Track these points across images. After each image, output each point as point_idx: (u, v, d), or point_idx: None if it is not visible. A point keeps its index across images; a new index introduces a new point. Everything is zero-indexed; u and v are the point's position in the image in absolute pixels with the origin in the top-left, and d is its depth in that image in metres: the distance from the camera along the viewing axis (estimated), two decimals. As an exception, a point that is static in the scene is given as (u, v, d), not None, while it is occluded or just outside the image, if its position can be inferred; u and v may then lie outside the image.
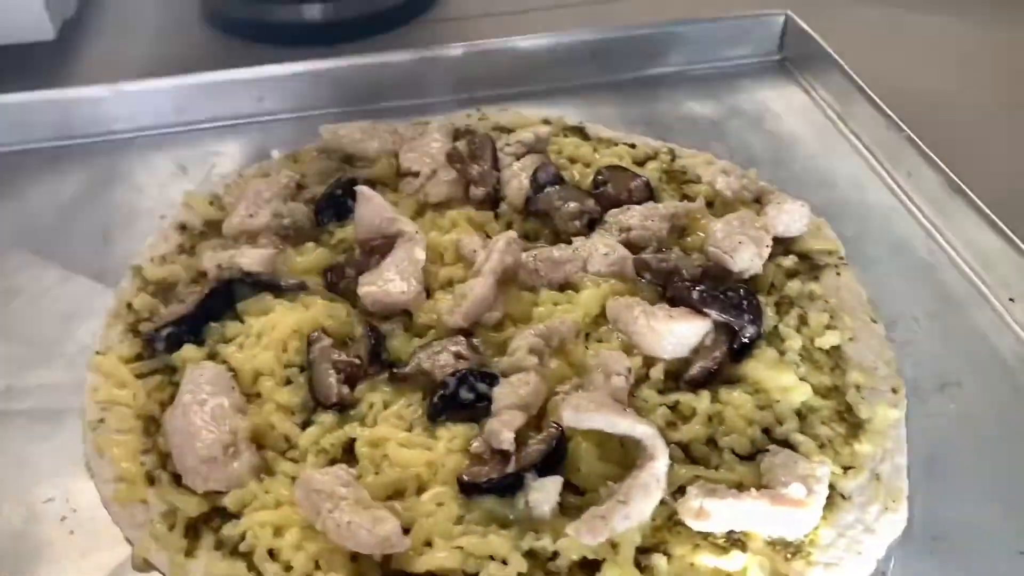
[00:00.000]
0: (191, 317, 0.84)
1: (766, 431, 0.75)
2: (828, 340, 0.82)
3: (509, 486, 0.68)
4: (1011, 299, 0.87)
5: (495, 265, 0.84)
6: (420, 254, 0.87)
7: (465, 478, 0.69)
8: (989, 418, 0.78)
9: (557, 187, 0.95)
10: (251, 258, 0.87)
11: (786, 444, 0.74)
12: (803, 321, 0.85)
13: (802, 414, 0.77)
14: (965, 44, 1.30)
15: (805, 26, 1.21)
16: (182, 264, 0.93)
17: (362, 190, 0.93)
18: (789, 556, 0.67)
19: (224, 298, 0.87)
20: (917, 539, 0.69)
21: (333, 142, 1.06)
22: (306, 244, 0.93)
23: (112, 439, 0.76)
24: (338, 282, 0.89)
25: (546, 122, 1.11)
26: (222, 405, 0.75)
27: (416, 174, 1.00)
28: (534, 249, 0.89)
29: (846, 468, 0.73)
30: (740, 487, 0.69)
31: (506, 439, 0.69)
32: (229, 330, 0.84)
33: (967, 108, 1.15)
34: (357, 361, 0.79)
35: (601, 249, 0.87)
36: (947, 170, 0.96)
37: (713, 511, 0.66)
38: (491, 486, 0.68)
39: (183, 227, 0.98)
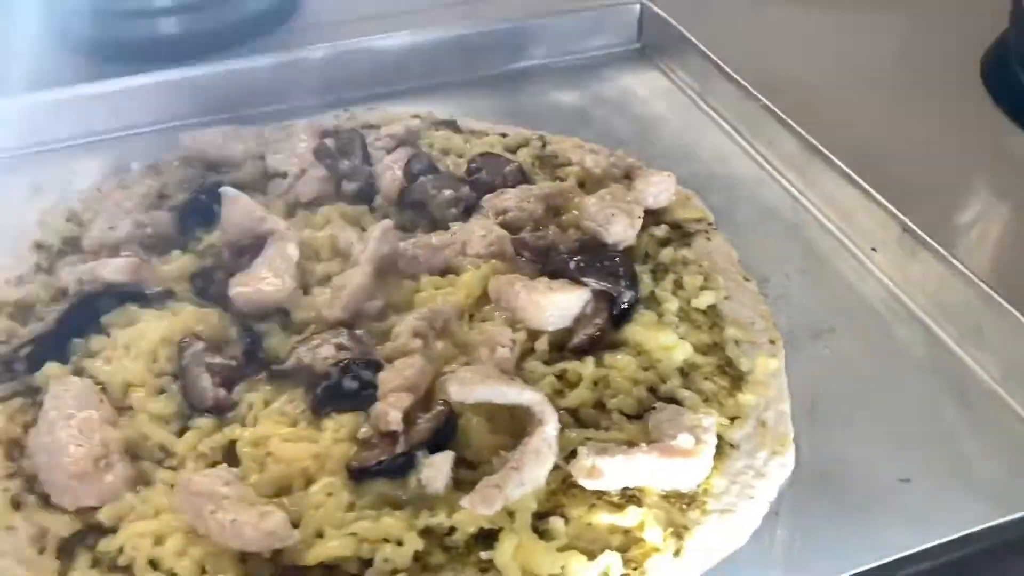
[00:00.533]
0: (53, 335, 0.80)
1: (651, 390, 0.76)
2: (704, 300, 0.85)
3: (400, 467, 0.67)
4: (873, 248, 0.91)
5: (372, 254, 0.82)
6: (293, 250, 0.85)
7: (354, 464, 0.67)
8: (862, 360, 0.82)
9: (431, 176, 0.94)
10: (113, 268, 0.83)
11: (672, 401, 0.75)
12: (679, 285, 0.86)
13: (685, 372, 0.78)
14: (811, 25, 1.36)
15: (660, 12, 1.24)
16: (40, 284, 0.87)
17: (227, 191, 0.90)
18: (684, 507, 0.68)
19: (87, 313, 0.82)
20: (805, 479, 0.71)
21: (195, 149, 1.02)
22: (172, 252, 0.90)
23: None
24: (207, 287, 0.86)
25: (416, 117, 1.10)
26: (90, 418, 0.71)
27: (284, 175, 0.98)
28: (411, 237, 0.88)
29: (732, 418, 0.74)
30: (630, 445, 0.70)
31: (394, 419, 0.67)
32: (94, 344, 0.80)
33: (817, 79, 1.20)
34: (233, 363, 0.77)
35: (479, 231, 0.86)
36: (803, 133, 1.00)
37: (606, 469, 0.66)
38: (382, 468, 0.66)
39: (39, 246, 0.93)
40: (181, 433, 0.73)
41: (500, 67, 1.25)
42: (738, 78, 1.10)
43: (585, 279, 0.81)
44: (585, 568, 0.63)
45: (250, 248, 0.87)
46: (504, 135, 1.08)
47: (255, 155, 1.02)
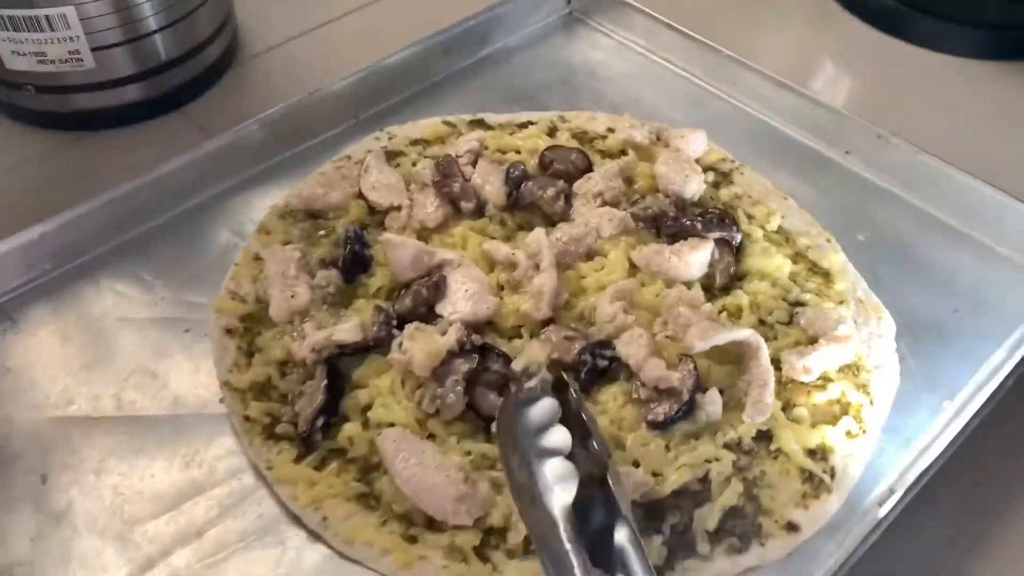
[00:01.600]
0: (328, 403, 0.93)
1: (783, 299, 1.05)
2: (775, 222, 1.13)
3: (690, 409, 0.91)
4: (847, 152, 1.24)
5: (552, 258, 1.02)
6: (477, 272, 1.02)
7: (654, 418, 0.91)
8: (888, 236, 1.14)
9: (532, 180, 1.12)
10: (347, 332, 0.96)
11: (800, 304, 1.04)
12: (748, 216, 1.14)
13: (793, 279, 1.07)
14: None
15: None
16: (260, 363, 0.98)
17: (390, 238, 1.04)
18: (855, 373, 0.98)
19: (337, 375, 0.96)
20: (905, 330, 1.03)
21: (301, 203, 1.12)
22: (355, 303, 1.03)
23: (353, 526, 0.86)
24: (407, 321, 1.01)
25: (446, 122, 1.26)
26: (432, 454, 0.88)
27: (398, 207, 1.12)
28: (554, 233, 1.07)
29: (840, 303, 1.05)
30: (798, 344, 0.99)
31: (676, 377, 0.91)
32: (363, 397, 0.94)
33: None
34: (496, 374, 0.95)
35: (606, 216, 1.08)
36: (766, 71, 1.29)
37: (812, 365, 0.95)
38: (680, 415, 0.90)
39: (229, 331, 1.02)
40: (488, 441, 0.91)
41: (467, 60, 1.40)
42: (683, 29, 1.36)
43: (709, 234, 1.06)
44: (833, 432, 0.92)
45: (427, 282, 1.02)
46: (530, 122, 1.27)
47: (350, 195, 1.14)
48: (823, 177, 1.22)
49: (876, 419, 0.94)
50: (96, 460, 0.93)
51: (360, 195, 1.14)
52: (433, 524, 0.86)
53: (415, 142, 1.23)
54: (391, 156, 1.20)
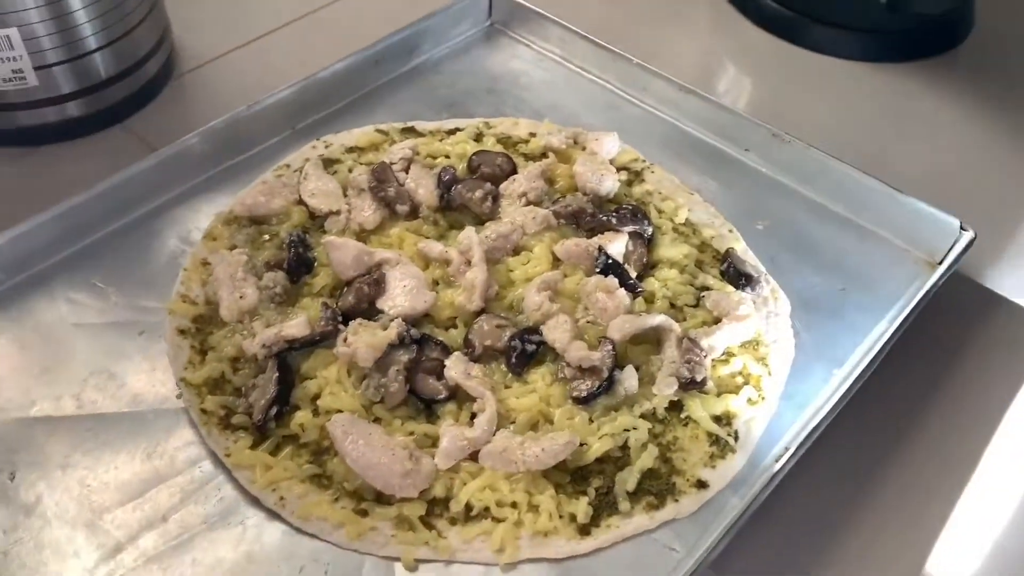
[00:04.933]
0: (280, 393, 1.01)
1: (690, 284, 1.17)
2: (682, 215, 1.25)
3: (609, 385, 1.02)
4: (746, 149, 1.37)
5: (482, 254, 1.12)
6: (415, 269, 1.12)
7: (578, 394, 1.02)
8: (784, 226, 1.27)
9: (461, 183, 1.22)
10: (296, 327, 1.05)
11: (705, 288, 1.17)
12: (659, 211, 1.26)
13: (699, 266, 1.19)
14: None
15: (506, -7, 1.56)
16: (213, 360, 1.06)
17: (332, 240, 1.13)
18: (755, 348, 1.11)
19: (287, 368, 1.04)
20: (799, 306, 1.16)
21: (244, 210, 1.20)
22: (301, 301, 1.12)
23: (310, 506, 0.94)
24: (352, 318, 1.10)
25: (379, 130, 1.35)
26: (378, 434, 0.97)
27: (337, 212, 1.21)
28: (483, 231, 1.17)
29: (742, 286, 1.18)
30: (704, 324, 1.11)
31: (597, 358, 1.02)
32: (312, 387, 1.03)
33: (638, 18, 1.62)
34: (438, 361, 1.05)
35: (530, 215, 1.19)
36: (672, 78, 1.41)
37: (715, 343, 1.07)
38: (600, 390, 1.02)
39: (182, 331, 1.09)
40: (430, 421, 1.01)
41: (397, 70, 1.50)
42: (598, 40, 1.47)
43: (624, 228, 1.18)
44: (736, 400, 1.04)
45: (368, 279, 1.12)
46: (457, 129, 1.37)
47: (292, 202, 1.23)
48: (725, 173, 1.35)
49: (774, 388, 1.07)
50: (61, 456, 0.99)
51: (300, 201, 1.22)
52: (382, 498, 0.95)
53: (350, 150, 1.32)
54: (328, 163, 1.29)
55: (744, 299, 1.13)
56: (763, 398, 1.05)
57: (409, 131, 1.37)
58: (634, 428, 1.00)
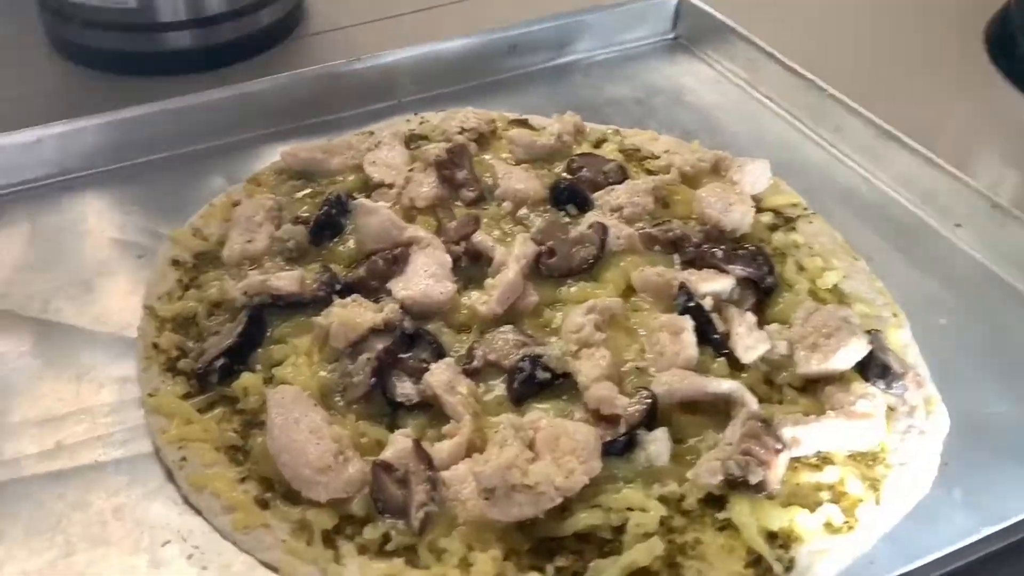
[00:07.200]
0: (238, 347, 0.87)
1: (810, 363, 0.89)
2: (829, 279, 0.98)
3: (625, 445, 0.77)
4: (957, 225, 1.07)
5: (520, 256, 0.92)
6: (445, 256, 0.94)
7: (586, 444, 0.77)
8: (974, 325, 0.96)
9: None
10: (285, 280, 0.91)
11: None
12: (799, 267, 0.99)
13: (832, 346, 0.91)
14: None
15: (700, 3, 1.37)
16: (193, 298, 0.95)
17: (364, 203, 0.99)
18: (869, 464, 0.81)
19: (260, 324, 0.90)
20: (961, 432, 0.85)
21: (296, 163, 1.09)
22: (312, 266, 0.97)
23: (207, 474, 0.79)
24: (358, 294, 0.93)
25: (491, 121, 1.19)
26: (315, 420, 0.79)
27: (391, 185, 1.06)
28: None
29: (879, 382, 0.88)
30: (806, 415, 0.82)
31: (621, 404, 0.78)
32: (277, 353, 0.88)
33: (872, 57, 1.36)
34: (424, 365, 0.85)
35: (614, 233, 0.97)
36: (873, 118, 1.14)
37: (803, 437, 0.79)
38: (613, 447, 0.77)
39: (176, 262, 0.99)
40: (390, 429, 0.82)
41: (543, 63, 1.35)
42: (796, 67, 1.24)
43: (730, 267, 0.93)
44: (809, 519, 0.75)
45: (395, 256, 0.95)
46: (579, 131, 1.19)
47: (351, 167, 1.10)
48: (919, 248, 1.05)
49: (875, 521, 0.76)
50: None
51: (360, 168, 1.09)
52: (292, 496, 0.78)
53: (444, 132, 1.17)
54: (412, 139, 1.16)
55: (870, 394, 0.83)
56: (851, 528, 0.75)
57: (520, 123, 1.20)
58: (641, 510, 0.75)
